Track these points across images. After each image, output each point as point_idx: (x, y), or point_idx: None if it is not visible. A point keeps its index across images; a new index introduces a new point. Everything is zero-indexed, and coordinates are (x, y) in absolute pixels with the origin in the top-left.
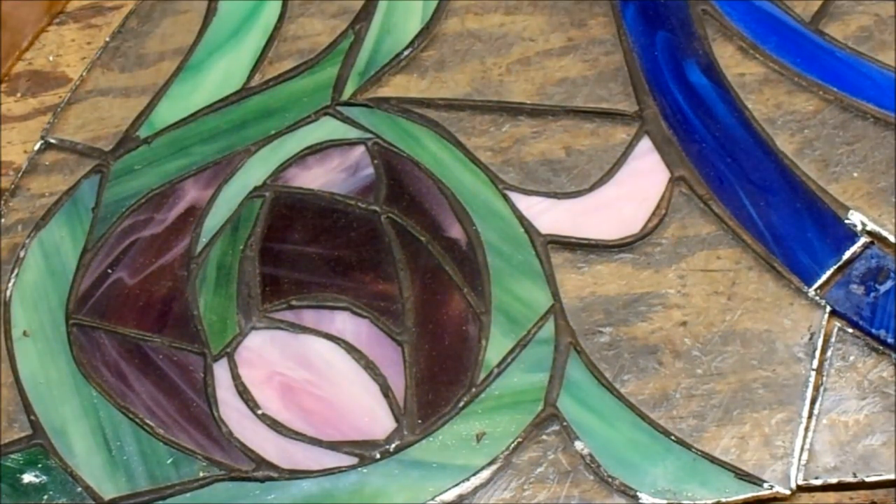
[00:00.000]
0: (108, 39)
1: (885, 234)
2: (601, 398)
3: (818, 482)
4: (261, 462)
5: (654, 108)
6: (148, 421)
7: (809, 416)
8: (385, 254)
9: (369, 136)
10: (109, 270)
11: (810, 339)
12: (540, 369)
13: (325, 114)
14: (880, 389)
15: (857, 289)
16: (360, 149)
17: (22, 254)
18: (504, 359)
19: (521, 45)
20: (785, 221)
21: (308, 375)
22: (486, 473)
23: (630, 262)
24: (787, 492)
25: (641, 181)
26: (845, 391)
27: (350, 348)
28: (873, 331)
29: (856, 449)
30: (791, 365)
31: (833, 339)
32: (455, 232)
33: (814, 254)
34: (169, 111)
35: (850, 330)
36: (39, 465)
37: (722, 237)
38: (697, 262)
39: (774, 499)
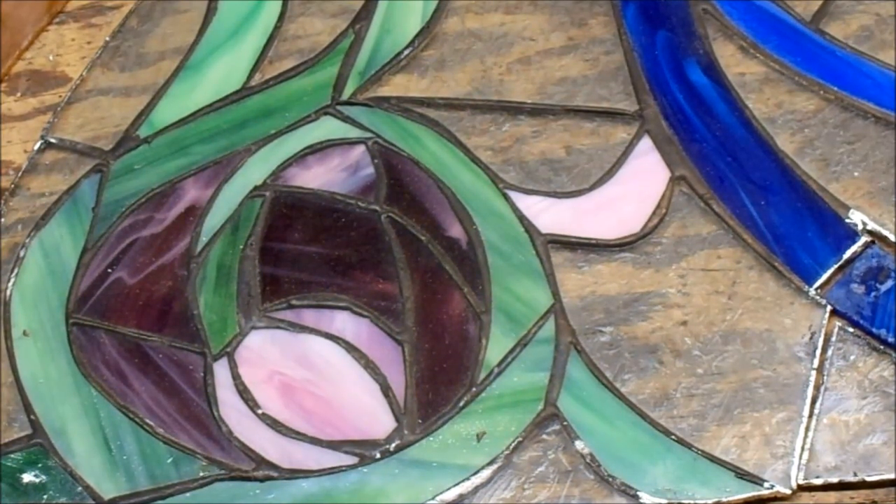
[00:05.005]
0: (108, 39)
1: (885, 233)
2: (601, 398)
3: (819, 482)
4: (261, 461)
5: (655, 108)
6: (148, 420)
7: (810, 416)
8: (385, 253)
9: (369, 135)
10: (109, 270)
11: (811, 338)
12: (540, 369)
13: (326, 113)
14: (881, 389)
15: (858, 288)
16: (361, 148)
17: (22, 253)
18: (504, 358)
19: (521, 44)
20: (785, 221)
21: (308, 375)
22: (486, 473)
23: (630, 262)
24: (788, 491)
25: (642, 180)
26: (846, 390)
27: (350, 348)
28: (874, 330)
29: (856, 448)
30: (792, 364)
31: (834, 339)
32: (455, 231)
33: (814, 253)
34: (169, 110)
35: (851, 329)
36: (39, 465)
37: (722, 236)
38: (698, 261)
39: (775, 498)
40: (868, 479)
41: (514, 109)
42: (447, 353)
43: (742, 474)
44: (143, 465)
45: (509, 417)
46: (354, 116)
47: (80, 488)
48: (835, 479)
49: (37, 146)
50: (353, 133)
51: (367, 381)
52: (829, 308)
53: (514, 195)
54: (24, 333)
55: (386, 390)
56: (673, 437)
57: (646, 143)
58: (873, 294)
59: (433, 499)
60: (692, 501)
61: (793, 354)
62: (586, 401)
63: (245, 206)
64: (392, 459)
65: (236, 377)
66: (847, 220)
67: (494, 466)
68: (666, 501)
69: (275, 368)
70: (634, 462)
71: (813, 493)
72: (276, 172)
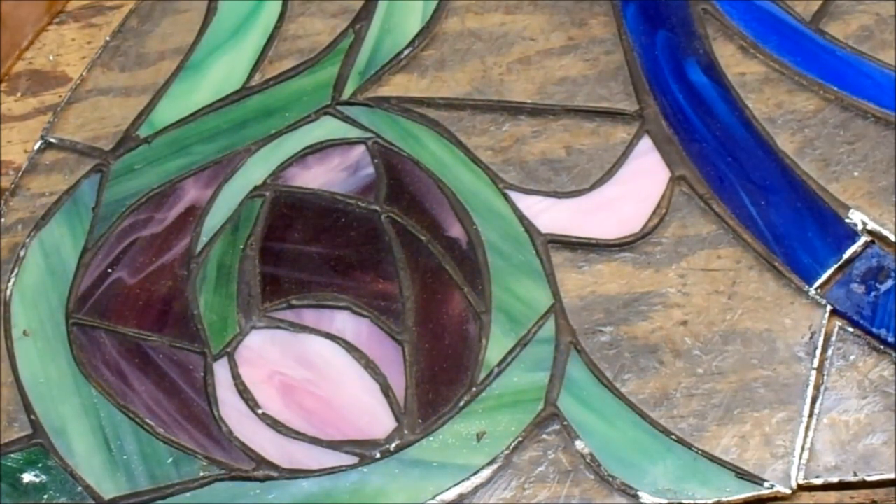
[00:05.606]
0: (108, 39)
1: (885, 233)
2: (602, 397)
3: (819, 481)
4: (261, 461)
5: (655, 108)
6: (148, 420)
7: (810, 416)
8: (385, 253)
9: (369, 135)
10: (109, 270)
11: (811, 338)
12: (540, 369)
13: (326, 113)
14: (881, 388)
15: (858, 288)
16: (361, 148)
17: (22, 253)
18: (504, 358)
19: (521, 44)
20: (785, 221)
21: (308, 375)
22: (486, 473)
23: (630, 262)
24: (788, 491)
25: (642, 180)
26: (846, 390)
27: (350, 348)
28: (874, 330)
29: (856, 448)
30: (792, 364)
31: (834, 339)
32: (455, 231)
33: (814, 253)
34: (169, 110)
35: (851, 329)
36: (39, 465)
37: (722, 236)
38: (698, 261)
39: (775, 498)
40: (868, 478)
41: (514, 109)
42: (447, 353)
43: (742, 474)
44: (143, 465)
45: (509, 417)
46: (354, 116)
47: (80, 488)
48: (835, 479)
49: (37, 146)
50: (353, 133)
51: (367, 381)
52: (829, 308)
53: (514, 195)
54: (25, 333)
55: (386, 390)
56: (673, 437)
57: (646, 143)
58: (873, 294)
59: (433, 499)
60: (692, 501)
61: (793, 354)
62: (586, 401)
63: (245, 205)
64: (392, 459)
65: (236, 377)
66: (847, 220)
67: (494, 466)
68: (666, 501)
69: (275, 368)
70: (634, 462)
71: (813, 493)
72: (276, 172)
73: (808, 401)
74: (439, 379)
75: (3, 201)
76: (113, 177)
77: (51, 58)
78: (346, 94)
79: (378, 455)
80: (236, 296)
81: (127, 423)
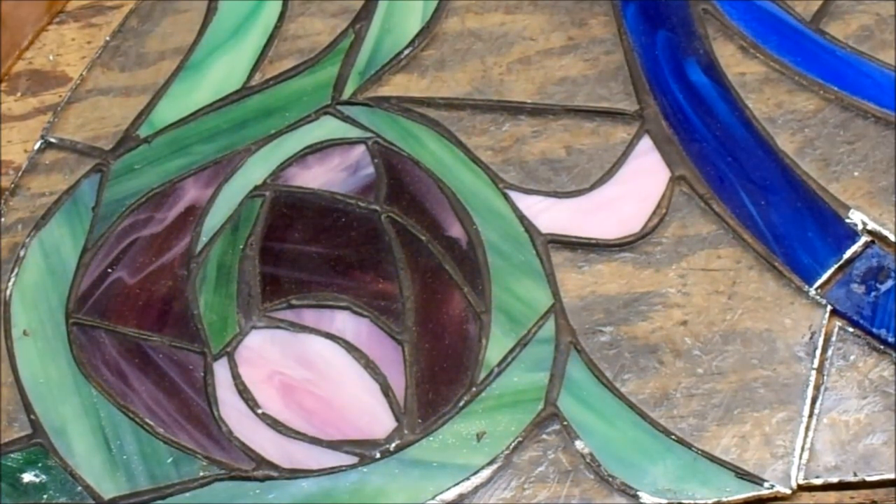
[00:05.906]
0: (108, 38)
1: (885, 233)
2: (601, 397)
3: (819, 481)
4: (261, 461)
5: (655, 108)
6: (148, 420)
7: (810, 416)
8: (385, 253)
9: (369, 135)
10: (109, 270)
11: (811, 338)
12: (540, 368)
13: (326, 113)
14: (881, 389)
15: (858, 288)
16: (361, 148)
17: (22, 253)
18: (504, 358)
19: (521, 44)
20: (785, 221)
21: (308, 375)
22: (486, 472)
23: (630, 262)
24: (788, 491)
25: (642, 180)
26: (846, 390)
27: (350, 347)
28: (874, 330)
29: (856, 448)
30: (792, 364)
31: (834, 339)
32: (455, 231)
33: (814, 253)
34: (169, 110)
35: (851, 329)
36: (39, 465)
37: (722, 236)
38: (698, 261)
39: (775, 498)
40: (868, 479)
41: (514, 109)
42: (447, 353)
43: (742, 474)
44: (143, 465)
45: (509, 417)
46: (354, 116)
47: (80, 488)
48: (835, 479)
49: (37, 146)
50: (353, 133)
51: (367, 380)
52: (829, 308)
53: (514, 195)
54: (24, 333)
55: (386, 390)
56: (673, 437)
57: (646, 143)
58: (873, 294)
59: (433, 499)
60: (692, 501)
61: (793, 354)
62: (586, 401)
63: (245, 205)
64: (392, 459)
65: (236, 377)
66: (847, 220)
67: (494, 466)
68: (666, 501)
69: (275, 368)
70: (634, 462)
71: (813, 493)
72: (276, 172)
73: (808, 401)
74: (439, 379)
75: (3, 201)
76: (113, 177)
77: (51, 58)
78: (346, 93)
79: (378, 455)
80: (236, 296)
81: (127, 423)
